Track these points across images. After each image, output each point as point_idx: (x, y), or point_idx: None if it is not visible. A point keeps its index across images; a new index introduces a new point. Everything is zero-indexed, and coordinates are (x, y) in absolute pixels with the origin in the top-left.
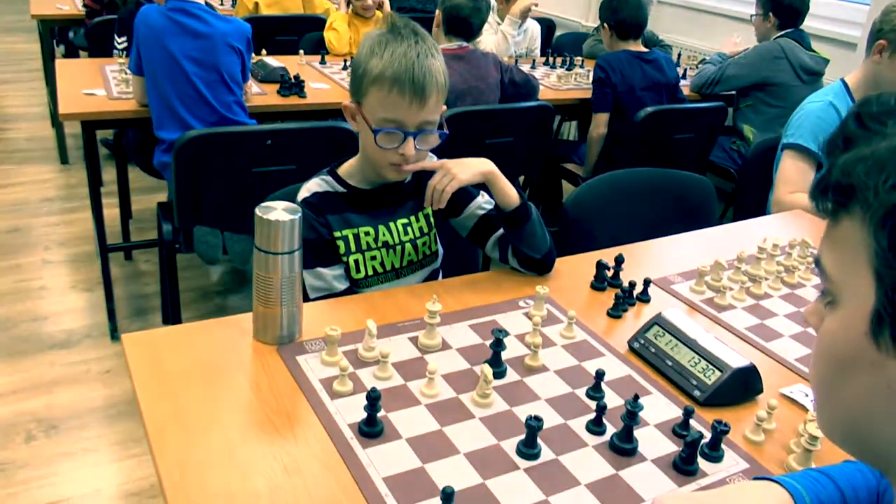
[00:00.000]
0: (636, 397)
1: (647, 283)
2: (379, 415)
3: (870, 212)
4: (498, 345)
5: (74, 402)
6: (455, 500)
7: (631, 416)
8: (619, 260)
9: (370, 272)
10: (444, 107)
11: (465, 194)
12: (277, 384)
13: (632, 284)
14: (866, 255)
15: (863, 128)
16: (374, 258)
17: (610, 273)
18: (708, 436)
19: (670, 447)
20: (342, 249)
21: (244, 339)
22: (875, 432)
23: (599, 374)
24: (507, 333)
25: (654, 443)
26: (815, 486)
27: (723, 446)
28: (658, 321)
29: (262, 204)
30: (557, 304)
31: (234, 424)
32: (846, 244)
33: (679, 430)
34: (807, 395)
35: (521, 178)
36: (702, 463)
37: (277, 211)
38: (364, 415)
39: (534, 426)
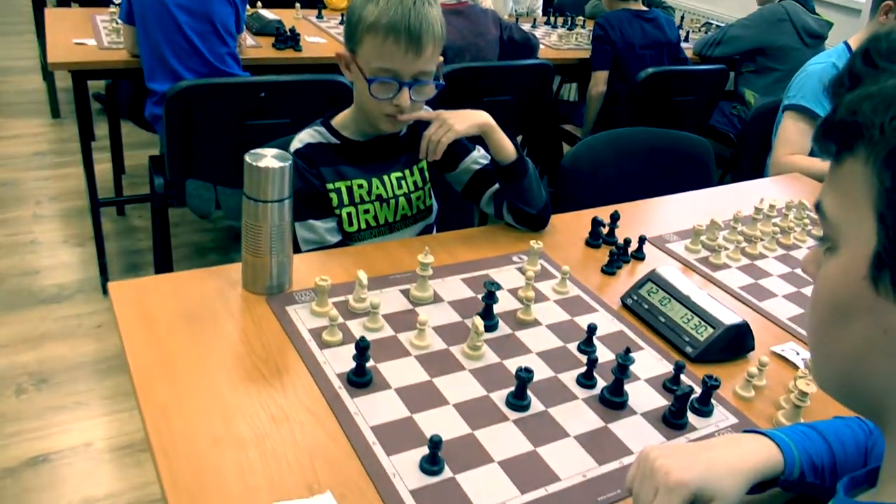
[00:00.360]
0: (627, 350)
1: (642, 240)
2: (368, 365)
3: (875, 151)
4: (490, 297)
5: (65, 357)
6: (443, 449)
7: (622, 370)
8: (615, 217)
9: (363, 225)
10: (441, 58)
11: (461, 148)
12: (266, 334)
13: (627, 242)
14: (869, 196)
15: (870, 65)
16: (367, 211)
17: (605, 230)
18: (698, 391)
19: (660, 401)
20: (335, 202)
21: (233, 289)
22: (870, 379)
23: (591, 329)
24: (499, 287)
25: (644, 397)
26: (803, 440)
27: (713, 401)
28: (652, 278)
29: (252, 151)
30: (552, 259)
31: (222, 373)
32: (849, 186)
33: (670, 384)
34: (797, 354)
35: (520, 139)
36: (691, 417)
37: (267, 158)
38: (353, 364)
39: (524, 378)
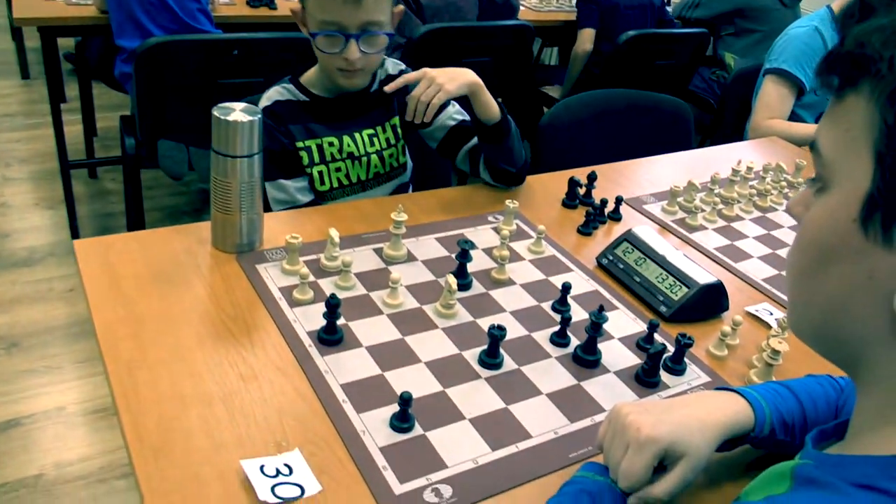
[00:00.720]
0: (601, 309)
1: (618, 201)
2: (339, 323)
3: (880, 86)
4: (464, 256)
5: (37, 321)
6: (414, 406)
7: (595, 328)
8: (592, 178)
9: (335, 184)
10: (400, 7)
11: None
12: (235, 292)
13: (603, 202)
14: (869, 134)
15: None
16: (338, 170)
17: (582, 191)
18: (672, 349)
19: (634, 360)
20: (305, 160)
21: (202, 247)
22: (848, 327)
23: (566, 288)
24: (473, 245)
25: (617, 355)
26: (774, 397)
27: (686, 360)
28: (628, 237)
29: (221, 105)
30: (527, 219)
31: (189, 331)
32: (848, 122)
33: (643, 343)
34: (771, 314)
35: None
36: (664, 376)
37: (236, 112)
38: (323, 322)
39: (496, 335)
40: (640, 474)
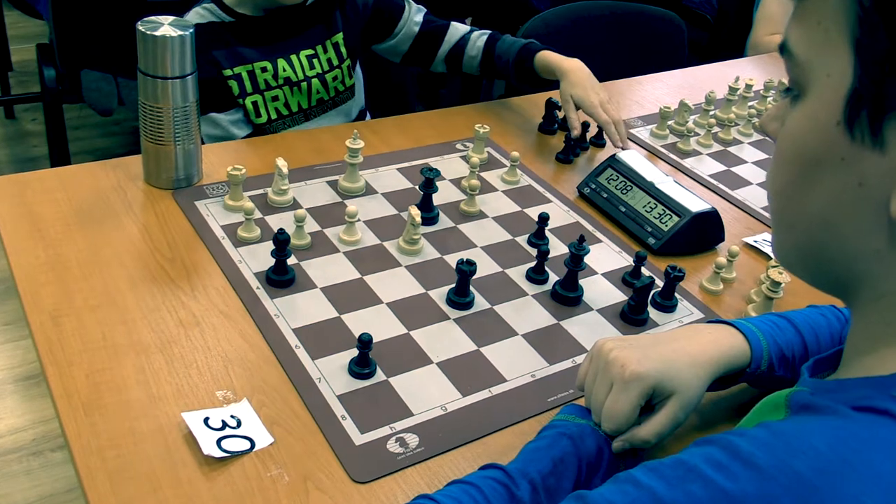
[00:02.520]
0: (581, 240)
1: None
2: (290, 263)
3: None
4: (428, 186)
5: None
6: (375, 350)
7: (575, 261)
8: None
9: (273, 115)
10: None
11: (393, 7)
12: (172, 231)
13: (585, 127)
14: (844, 23)
15: None
16: (275, 98)
17: (560, 114)
18: (661, 284)
19: (619, 296)
20: (235, 90)
21: (133, 183)
22: (839, 244)
23: (543, 219)
24: (438, 174)
25: (600, 292)
26: (772, 330)
27: (676, 295)
28: (612, 163)
29: (146, 19)
30: (500, 146)
31: (121, 274)
32: (818, 14)
33: (629, 278)
34: (771, 245)
35: (469, 21)
36: (652, 313)
37: (165, 27)
38: (272, 262)
39: (465, 271)
40: (625, 414)
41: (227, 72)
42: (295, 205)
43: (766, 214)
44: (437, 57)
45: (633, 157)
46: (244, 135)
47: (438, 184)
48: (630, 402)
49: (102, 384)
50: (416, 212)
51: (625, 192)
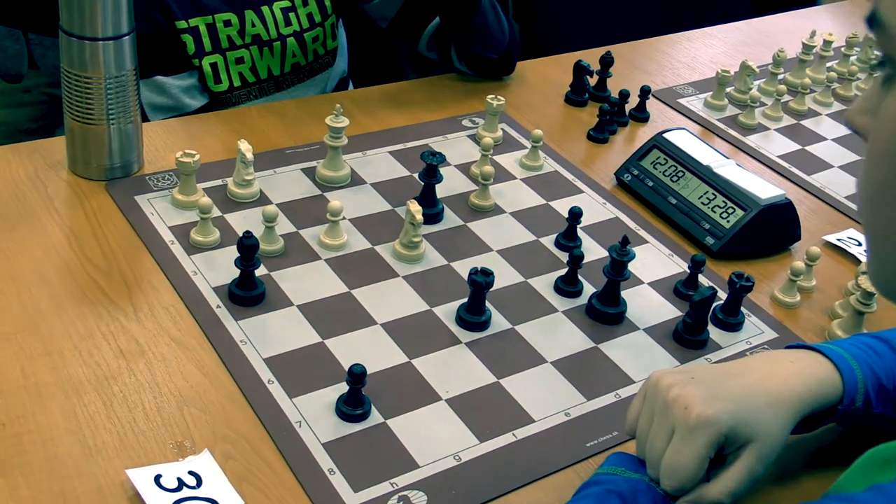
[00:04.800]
0: (625, 241)
1: (644, 93)
2: (260, 273)
3: None
4: (431, 174)
5: None
6: (370, 385)
7: (617, 269)
8: (608, 61)
9: (237, 82)
10: None
11: None
12: (107, 235)
13: (623, 96)
14: None
15: None
16: (240, 60)
17: (593, 80)
18: (723, 296)
19: (671, 312)
20: (190, 48)
21: (55, 173)
22: None
23: (575, 214)
24: (443, 159)
25: (647, 306)
26: (867, 356)
27: (743, 310)
28: (658, 143)
29: None
30: (517, 122)
31: (42, 293)
32: None
33: (683, 288)
34: (860, 244)
35: None
36: (713, 332)
37: None
38: (236, 273)
39: (480, 283)
40: (690, 469)
41: (181, 23)
42: (263, 199)
43: (851, 205)
44: (423, 34)
45: (684, 136)
46: (198, 105)
47: (443, 171)
48: (696, 453)
49: (23, 434)
50: (416, 208)
51: (675, 179)
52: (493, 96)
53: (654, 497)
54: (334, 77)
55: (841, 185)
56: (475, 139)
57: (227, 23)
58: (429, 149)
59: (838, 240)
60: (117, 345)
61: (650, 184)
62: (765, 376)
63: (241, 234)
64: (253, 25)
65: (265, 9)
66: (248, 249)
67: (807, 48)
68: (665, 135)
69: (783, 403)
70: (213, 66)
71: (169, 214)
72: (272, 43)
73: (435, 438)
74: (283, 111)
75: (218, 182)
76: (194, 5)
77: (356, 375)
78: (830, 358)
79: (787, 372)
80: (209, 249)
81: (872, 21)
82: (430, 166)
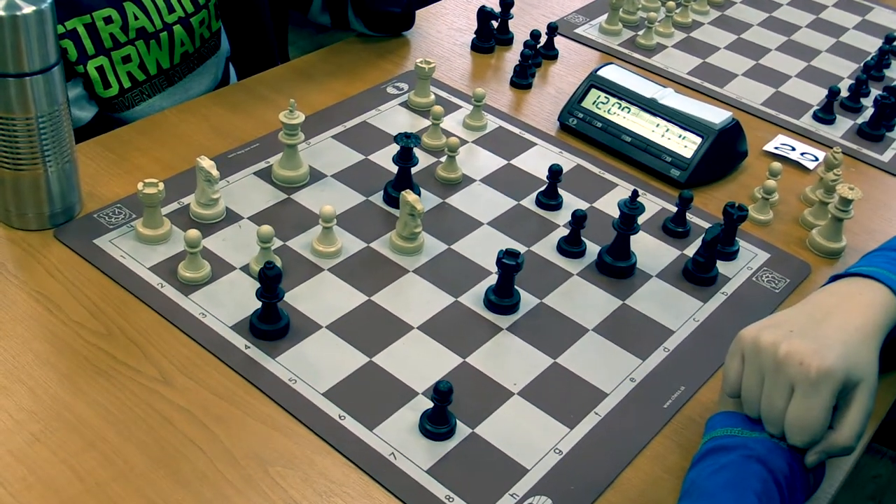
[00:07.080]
0: (635, 195)
1: (552, 30)
2: None
3: None
4: (406, 157)
5: None
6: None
7: (627, 223)
8: (508, 3)
9: (126, 83)
10: None
11: None
12: (85, 291)
13: (535, 37)
14: None
15: None
16: (127, 59)
17: (496, 23)
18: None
19: (669, 251)
20: (72, 54)
21: None
22: None
23: (555, 172)
24: (418, 142)
25: (647, 251)
26: None
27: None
28: (595, 82)
29: None
30: (440, 81)
31: (46, 374)
32: None
33: (672, 226)
34: (793, 149)
35: None
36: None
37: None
38: (246, 306)
39: (511, 265)
40: (820, 422)
41: (59, 28)
42: (231, 216)
43: (770, 111)
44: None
45: (616, 71)
46: (88, 118)
47: (391, 147)
48: (824, 405)
49: None
50: (413, 197)
51: (622, 116)
52: (423, 60)
53: (782, 453)
54: (221, 58)
55: (753, 92)
56: (409, 107)
57: (108, 20)
58: (367, 127)
59: (775, 148)
60: (161, 416)
61: (599, 125)
62: (848, 314)
63: (263, 264)
64: (136, 18)
65: None
66: (271, 281)
67: None
68: (598, 73)
69: (873, 336)
70: (100, 69)
71: (141, 253)
72: (158, 34)
73: (528, 437)
74: (202, 111)
75: (174, 205)
76: (69, 6)
77: (443, 393)
78: (883, 281)
79: (864, 304)
80: (203, 285)
81: None
82: (405, 149)
